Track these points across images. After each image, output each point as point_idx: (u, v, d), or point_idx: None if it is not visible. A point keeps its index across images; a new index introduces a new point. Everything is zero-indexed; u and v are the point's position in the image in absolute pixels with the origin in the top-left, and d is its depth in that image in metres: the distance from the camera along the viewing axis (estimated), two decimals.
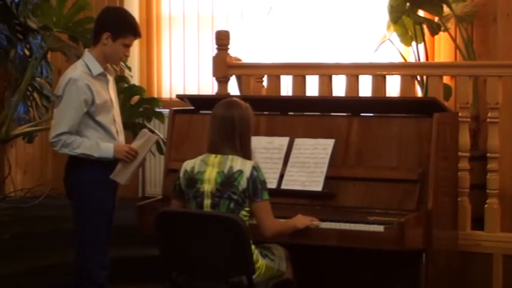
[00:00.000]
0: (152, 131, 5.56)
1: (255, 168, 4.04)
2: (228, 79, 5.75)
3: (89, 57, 4.50)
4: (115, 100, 4.62)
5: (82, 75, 4.43)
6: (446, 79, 5.59)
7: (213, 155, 4.09)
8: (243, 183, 4.00)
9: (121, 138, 4.60)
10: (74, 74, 4.44)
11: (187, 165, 4.15)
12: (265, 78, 5.84)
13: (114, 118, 4.55)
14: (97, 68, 4.48)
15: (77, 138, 4.41)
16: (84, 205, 4.47)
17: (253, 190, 4.01)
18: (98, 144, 4.43)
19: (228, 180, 4.02)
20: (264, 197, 4.04)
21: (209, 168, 4.07)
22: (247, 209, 4.04)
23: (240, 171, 4.02)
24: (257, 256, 4.05)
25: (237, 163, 4.04)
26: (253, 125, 4.18)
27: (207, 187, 4.05)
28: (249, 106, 4.15)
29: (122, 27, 4.48)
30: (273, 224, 4.09)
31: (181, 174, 4.14)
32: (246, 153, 4.09)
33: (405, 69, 5.46)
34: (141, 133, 4.70)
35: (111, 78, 4.60)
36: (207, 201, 4.05)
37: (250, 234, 4.00)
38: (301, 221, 4.21)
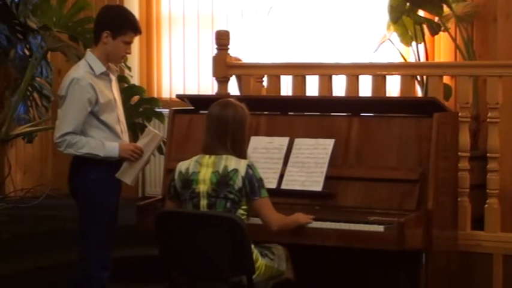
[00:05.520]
0: None
1: (250, 166, 4.05)
2: (228, 79, 5.75)
3: (91, 57, 4.50)
4: (118, 99, 4.60)
5: (85, 74, 4.43)
6: (446, 79, 5.59)
7: (207, 156, 4.10)
8: (238, 182, 4.01)
9: (125, 137, 4.60)
10: (76, 74, 4.44)
11: (182, 166, 4.15)
12: (265, 78, 5.84)
13: (118, 117, 4.54)
14: (100, 67, 4.47)
15: (82, 138, 4.40)
16: (89, 205, 4.46)
17: (250, 189, 4.02)
18: (103, 144, 4.42)
19: (223, 180, 4.02)
20: (262, 194, 4.05)
21: (203, 169, 4.07)
22: (244, 207, 4.05)
23: (235, 170, 4.02)
24: (256, 256, 4.05)
25: (232, 162, 4.04)
26: (248, 125, 4.18)
27: (203, 187, 4.06)
28: (244, 106, 4.16)
29: (121, 25, 4.47)
30: (277, 218, 4.11)
31: (176, 176, 4.15)
32: (240, 153, 4.10)
33: (405, 69, 5.46)
34: (146, 131, 4.69)
35: (113, 78, 4.59)
36: (203, 202, 4.06)
37: (250, 233, 4.00)
38: (303, 216, 4.24)
